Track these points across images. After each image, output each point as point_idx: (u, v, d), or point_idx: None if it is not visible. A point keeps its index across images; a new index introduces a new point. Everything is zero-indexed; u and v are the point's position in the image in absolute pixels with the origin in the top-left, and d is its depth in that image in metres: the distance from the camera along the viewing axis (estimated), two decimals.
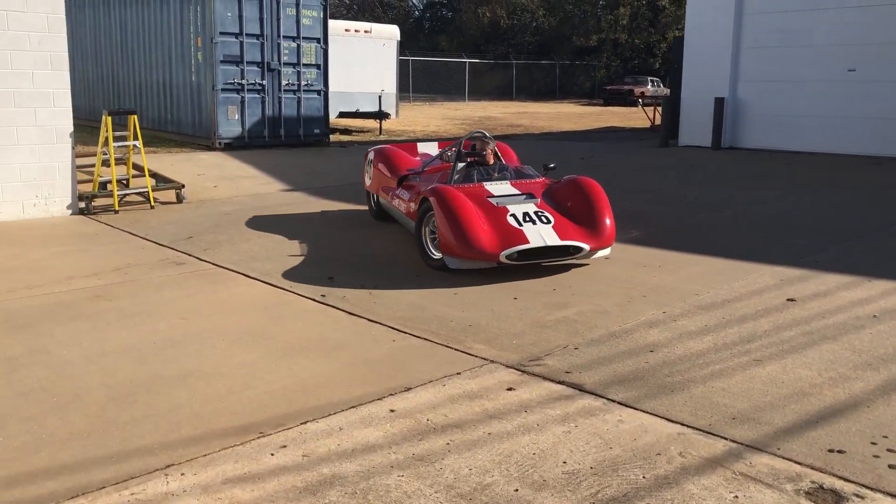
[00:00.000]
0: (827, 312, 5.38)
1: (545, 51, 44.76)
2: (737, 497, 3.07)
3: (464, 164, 7.31)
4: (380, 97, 20.50)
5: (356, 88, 21.34)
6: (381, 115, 19.55)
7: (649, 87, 36.61)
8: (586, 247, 6.30)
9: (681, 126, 16.43)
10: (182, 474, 3.22)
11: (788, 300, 5.67)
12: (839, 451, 3.45)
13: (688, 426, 3.70)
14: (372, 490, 3.12)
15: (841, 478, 3.23)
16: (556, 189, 6.88)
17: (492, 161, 7.46)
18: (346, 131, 19.54)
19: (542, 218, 6.36)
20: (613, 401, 3.99)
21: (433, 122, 23.72)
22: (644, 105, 25.39)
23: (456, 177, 7.06)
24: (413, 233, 7.02)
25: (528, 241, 6.12)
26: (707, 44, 15.71)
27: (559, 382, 4.23)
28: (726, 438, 3.57)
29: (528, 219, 6.32)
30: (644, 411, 3.87)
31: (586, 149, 16.74)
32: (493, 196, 6.63)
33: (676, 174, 12.68)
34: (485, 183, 6.89)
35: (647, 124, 22.85)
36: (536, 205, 6.53)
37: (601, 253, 6.52)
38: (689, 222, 8.66)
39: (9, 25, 8.34)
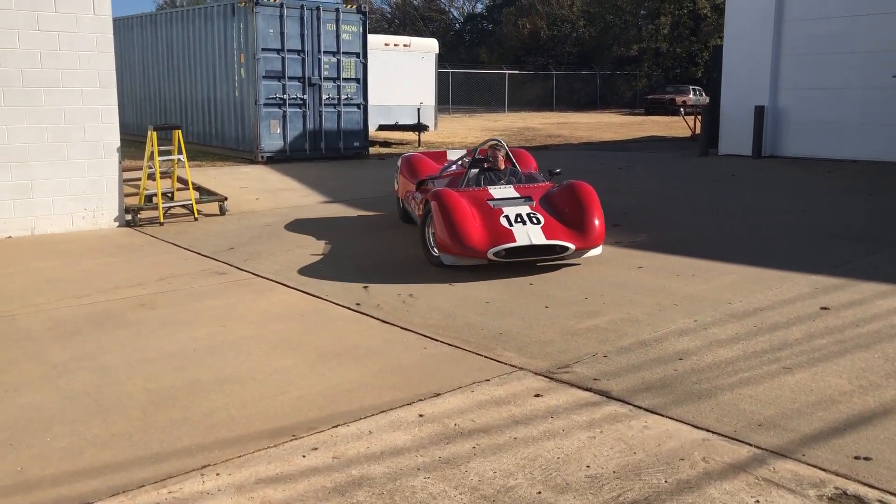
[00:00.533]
0: (861, 321, 5.34)
1: (585, 61, 44.70)
2: (758, 501, 3.10)
3: (476, 169, 7.93)
4: (418, 110, 20.71)
5: (395, 101, 21.59)
6: (419, 128, 19.75)
7: (691, 95, 36.33)
8: (571, 246, 6.72)
9: (720, 135, 16.30)
10: (217, 474, 3.35)
11: (822, 308, 5.63)
12: (865, 458, 3.44)
13: (713, 432, 3.73)
14: (398, 491, 3.21)
15: (865, 484, 3.23)
16: (554, 193, 7.33)
17: (502, 166, 7.97)
18: (385, 144, 19.76)
19: (533, 219, 6.80)
20: (640, 407, 4.03)
21: (472, 133, 23.85)
22: (686, 114, 25.20)
23: (466, 180, 7.73)
24: None
25: (515, 240, 6.60)
26: (747, 52, 15.59)
27: (586, 389, 4.28)
28: (751, 444, 3.59)
29: (519, 220, 6.78)
30: (670, 417, 3.90)
31: (625, 158, 16.71)
32: (493, 199, 7.14)
33: (714, 183, 12.60)
34: (490, 187, 7.47)
35: (689, 133, 22.68)
36: (532, 207, 6.99)
37: (591, 252, 6.96)
38: (725, 231, 8.62)
39: (60, 46, 8.68)
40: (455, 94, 37.17)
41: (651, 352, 4.86)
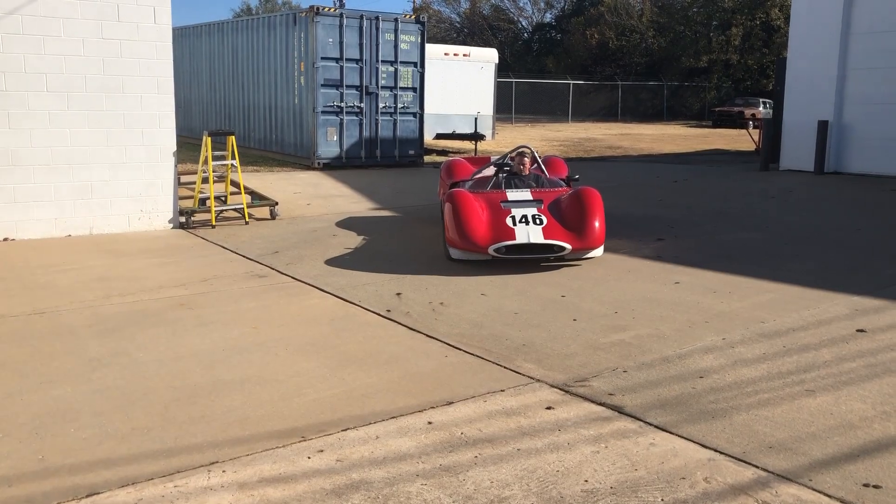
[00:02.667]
0: None
1: (654, 72, 44.13)
2: None
3: (504, 174, 8.60)
4: (476, 119, 20.79)
5: (453, 111, 21.73)
6: (476, 137, 19.83)
7: (761, 108, 35.47)
8: (568, 246, 7.25)
9: (782, 149, 15.92)
10: (223, 471, 3.47)
11: (858, 331, 5.48)
12: (875, 486, 3.36)
13: (720, 452, 3.68)
14: (393, 496, 3.27)
15: None
16: (564, 197, 7.90)
17: (526, 171, 8.61)
18: (443, 152, 19.90)
19: (537, 220, 7.36)
20: (650, 424, 4.01)
21: (531, 143, 23.73)
22: (754, 127, 24.65)
23: (491, 183, 8.38)
24: None
25: (514, 238, 7.18)
26: (811, 65, 15.20)
27: (600, 404, 4.27)
28: (757, 467, 3.53)
29: (524, 220, 7.35)
30: (679, 436, 3.87)
31: (682, 171, 16.46)
32: (507, 200, 7.75)
33: (770, 199, 12.32)
34: (508, 190, 8.07)
35: (753, 147, 22.17)
36: (539, 209, 7.54)
37: (591, 254, 7.51)
38: (770, 249, 8.44)
39: (122, 53, 9.05)
40: (518, 103, 37.14)
41: (672, 368, 4.81)
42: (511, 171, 8.68)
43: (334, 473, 3.46)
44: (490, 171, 9.14)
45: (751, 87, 42.08)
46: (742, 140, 26.18)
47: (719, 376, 4.68)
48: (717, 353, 5.09)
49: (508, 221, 7.36)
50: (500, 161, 9.02)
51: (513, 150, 9.09)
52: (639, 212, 11.02)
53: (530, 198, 7.85)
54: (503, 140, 24.25)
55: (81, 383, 4.52)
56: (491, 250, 7.23)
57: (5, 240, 8.62)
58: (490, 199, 7.80)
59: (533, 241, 7.17)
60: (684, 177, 15.39)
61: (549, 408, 4.22)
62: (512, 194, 7.91)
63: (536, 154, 9.17)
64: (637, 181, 15.04)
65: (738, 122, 34.52)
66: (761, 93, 39.87)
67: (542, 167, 9.09)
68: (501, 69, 28.38)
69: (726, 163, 18.95)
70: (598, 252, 7.59)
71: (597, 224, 7.43)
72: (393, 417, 4.07)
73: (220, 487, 3.33)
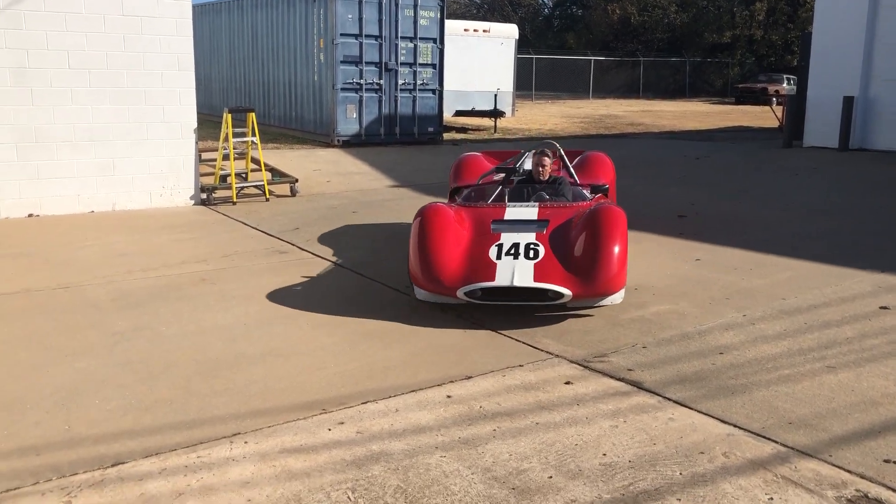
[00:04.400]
0: None
1: (676, 48, 43.56)
2: (772, 499, 3.05)
3: (517, 177, 6.79)
4: (496, 95, 20.66)
5: (473, 87, 21.61)
6: (495, 114, 19.73)
7: (785, 85, 34.95)
8: (566, 293, 5.05)
9: (806, 126, 15.71)
10: (245, 442, 3.52)
11: (881, 308, 5.43)
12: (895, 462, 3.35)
13: (739, 428, 3.68)
14: (413, 467, 3.30)
15: (889, 488, 3.14)
16: (579, 218, 5.66)
17: (545, 177, 6.54)
18: (462, 129, 19.83)
19: (531, 251, 5.26)
20: (669, 399, 4.01)
21: (551, 120, 23.67)
22: (777, 104, 24.31)
23: (494, 193, 6.57)
24: None
25: (493, 279, 5.10)
26: (837, 39, 14.94)
27: (618, 379, 4.28)
28: (777, 442, 3.53)
29: (513, 251, 5.27)
30: (698, 411, 3.87)
31: (705, 148, 16.30)
32: (501, 221, 5.74)
33: (793, 176, 12.18)
34: (511, 203, 6.12)
35: (777, 124, 21.91)
36: (539, 234, 5.46)
37: (605, 300, 5.26)
38: (793, 226, 8.36)
39: (142, 30, 9.07)
40: (539, 80, 36.84)
41: (692, 345, 4.80)
42: (527, 175, 6.77)
43: (354, 445, 3.50)
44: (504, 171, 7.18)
45: (775, 63, 41.47)
46: (765, 117, 25.85)
47: (739, 352, 4.66)
48: (738, 329, 5.07)
49: (492, 253, 5.28)
50: (518, 160, 7.17)
51: (532, 147, 7.13)
52: (660, 188, 10.94)
53: (533, 217, 5.79)
54: (523, 117, 24.13)
55: (105, 356, 4.59)
56: (460, 294, 5.13)
57: (30, 216, 8.72)
58: (479, 218, 5.80)
59: (517, 283, 5.05)
60: (706, 153, 15.25)
61: (567, 383, 4.23)
62: (512, 211, 5.92)
63: (563, 153, 7.14)
64: (658, 158, 14.91)
65: (761, 98, 34.04)
66: (785, 69, 39.27)
67: (571, 170, 7.04)
68: (522, 45, 28.15)
69: (749, 140, 18.75)
70: (616, 298, 5.32)
71: (614, 260, 5.21)
72: (413, 391, 4.10)
73: (241, 458, 3.37)
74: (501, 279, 5.08)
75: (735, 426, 3.70)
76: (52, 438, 3.54)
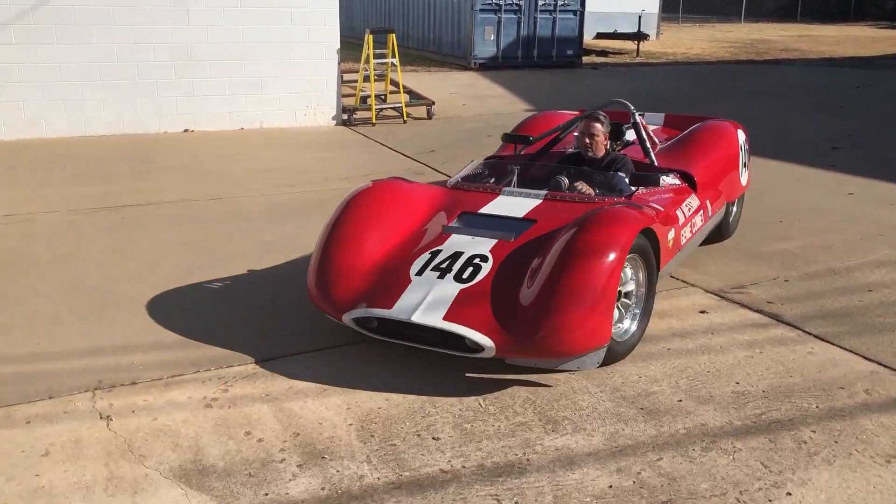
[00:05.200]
0: None
1: None
2: None
3: (569, 154, 4.92)
4: (640, 17, 19.81)
5: (615, 8, 20.82)
6: (639, 37, 18.97)
7: None
8: (487, 343, 3.26)
9: None
10: None
11: None
12: None
13: (885, 366, 3.54)
14: (542, 380, 3.39)
15: None
16: (574, 228, 3.56)
17: (598, 153, 4.59)
18: (602, 53, 19.22)
19: (468, 269, 3.56)
20: (810, 333, 3.89)
21: (698, 44, 22.54)
22: None
23: (514, 172, 4.56)
24: None
25: (390, 306, 3.46)
26: None
27: (757, 311, 4.18)
28: None
29: (443, 265, 3.61)
30: (840, 346, 3.74)
31: (865, 77, 15.15)
32: (473, 214, 4.05)
33: None
34: (505, 190, 4.24)
35: None
36: (503, 243, 3.70)
37: (565, 365, 3.36)
38: None
39: None
40: (686, 2, 34.99)
41: (838, 281, 4.60)
42: (574, 150, 4.86)
43: None
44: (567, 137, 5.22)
45: None
46: None
47: (890, 291, 4.43)
48: (890, 267, 4.80)
49: (415, 265, 3.65)
50: (571, 125, 5.12)
51: (584, 114, 4.88)
52: (814, 118, 10.31)
53: (518, 215, 3.97)
54: (668, 41, 23.10)
55: (252, 265, 4.90)
56: (347, 319, 3.57)
57: (186, 131, 9.26)
58: (450, 207, 4.14)
59: (416, 320, 3.35)
60: (868, 82, 14.17)
61: (702, 311, 4.17)
62: (501, 201, 4.13)
63: (639, 118, 4.94)
64: (814, 85, 13.99)
65: None
66: None
67: (648, 146, 4.83)
68: None
69: None
70: (578, 364, 3.34)
71: (580, 307, 3.23)
72: None
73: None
74: (399, 309, 3.43)
75: (880, 364, 3.56)
76: (211, 334, 3.85)
